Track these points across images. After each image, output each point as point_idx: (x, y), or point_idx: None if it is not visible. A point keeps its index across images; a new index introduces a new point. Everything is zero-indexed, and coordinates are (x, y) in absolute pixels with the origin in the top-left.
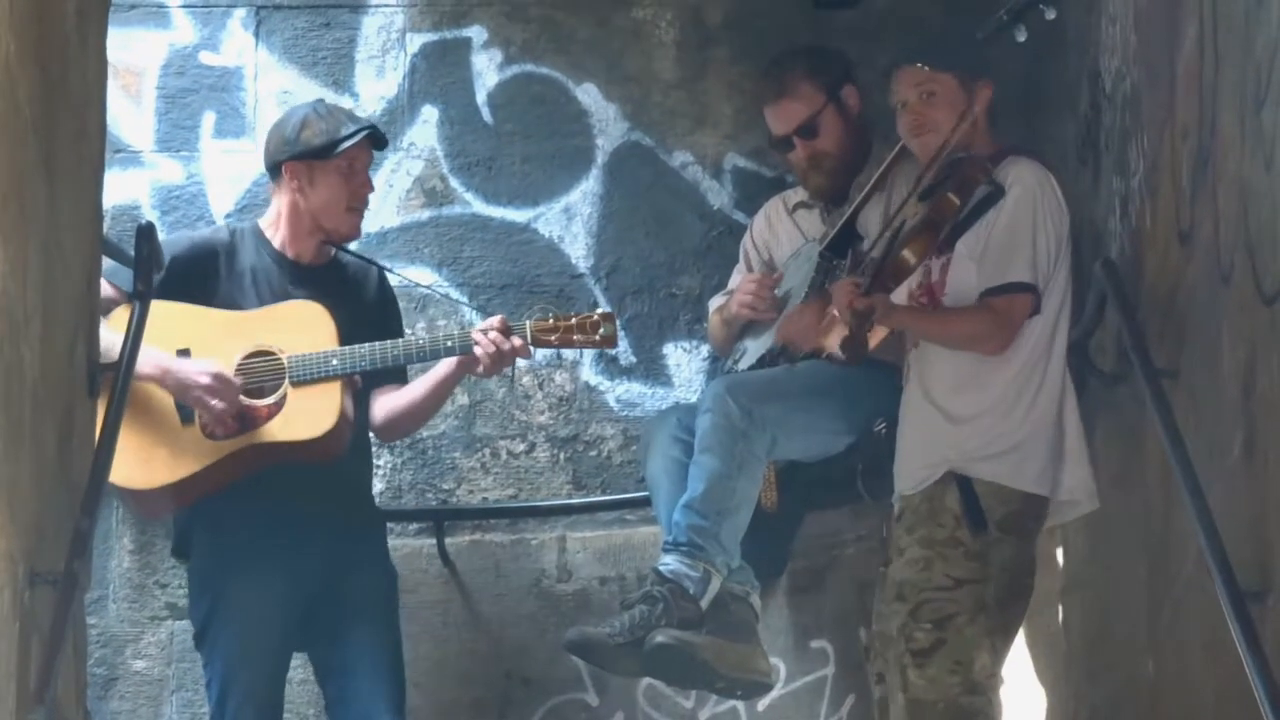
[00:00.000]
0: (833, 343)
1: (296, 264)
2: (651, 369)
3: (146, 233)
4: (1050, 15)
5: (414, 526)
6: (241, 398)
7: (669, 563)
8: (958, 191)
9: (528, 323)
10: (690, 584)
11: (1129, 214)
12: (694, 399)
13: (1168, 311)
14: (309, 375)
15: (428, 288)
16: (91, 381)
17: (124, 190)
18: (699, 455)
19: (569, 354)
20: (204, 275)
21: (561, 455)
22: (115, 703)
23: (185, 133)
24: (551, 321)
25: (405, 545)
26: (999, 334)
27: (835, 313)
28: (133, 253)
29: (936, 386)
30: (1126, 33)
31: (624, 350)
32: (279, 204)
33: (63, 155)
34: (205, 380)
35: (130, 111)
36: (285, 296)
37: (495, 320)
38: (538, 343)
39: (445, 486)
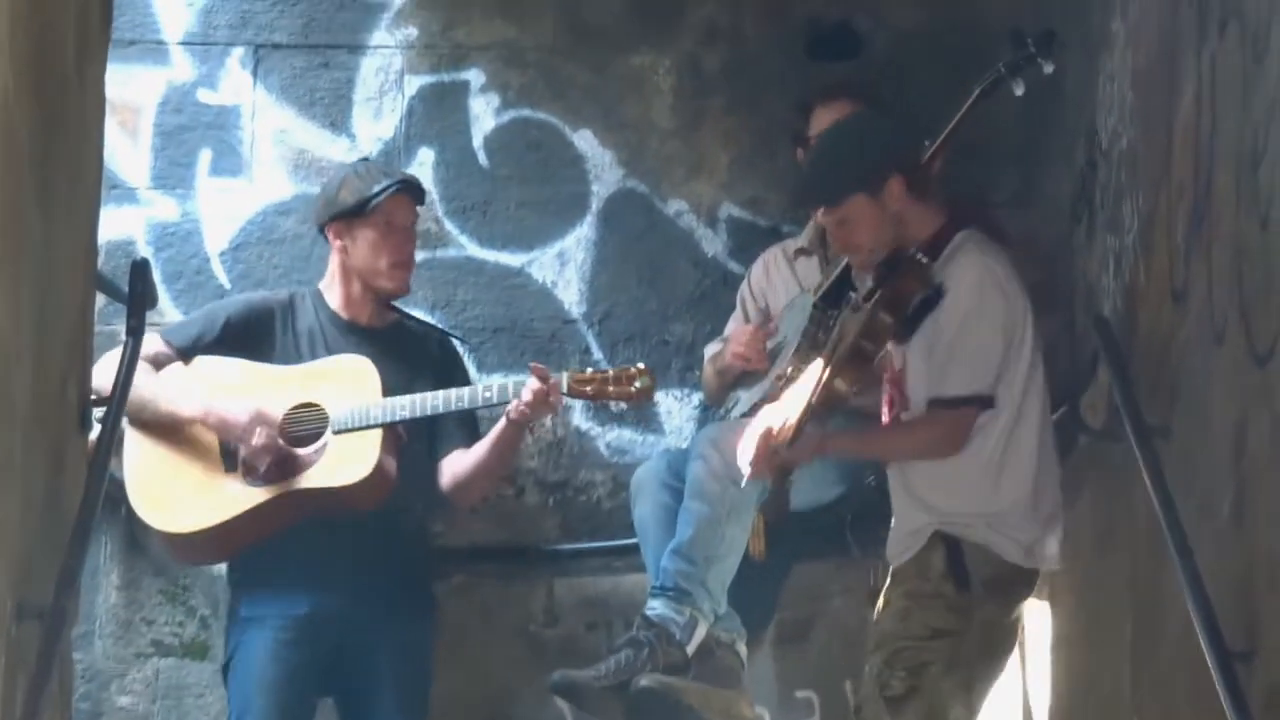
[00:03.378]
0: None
1: (353, 324)
2: (642, 416)
3: (141, 269)
4: (1048, 69)
5: None
6: (284, 444)
7: (656, 607)
8: (890, 309)
9: (565, 374)
10: (676, 629)
11: (1122, 271)
12: (685, 446)
13: (1160, 369)
14: (350, 424)
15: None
16: (83, 417)
17: (119, 226)
18: (688, 501)
19: None
20: (259, 336)
21: (551, 500)
22: None
23: (181, 170)
24: (589, 373)
25: None
26: (946, 443)
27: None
28: (126, 289)
29: (916, 481)
30: (1124, 90)
31: None
32: (332, 265)
33: (59, 190)
34: (245, 418)
35: (127, 148)
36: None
37: (535, 372)
38: (574, 394)
39: (435, 529)
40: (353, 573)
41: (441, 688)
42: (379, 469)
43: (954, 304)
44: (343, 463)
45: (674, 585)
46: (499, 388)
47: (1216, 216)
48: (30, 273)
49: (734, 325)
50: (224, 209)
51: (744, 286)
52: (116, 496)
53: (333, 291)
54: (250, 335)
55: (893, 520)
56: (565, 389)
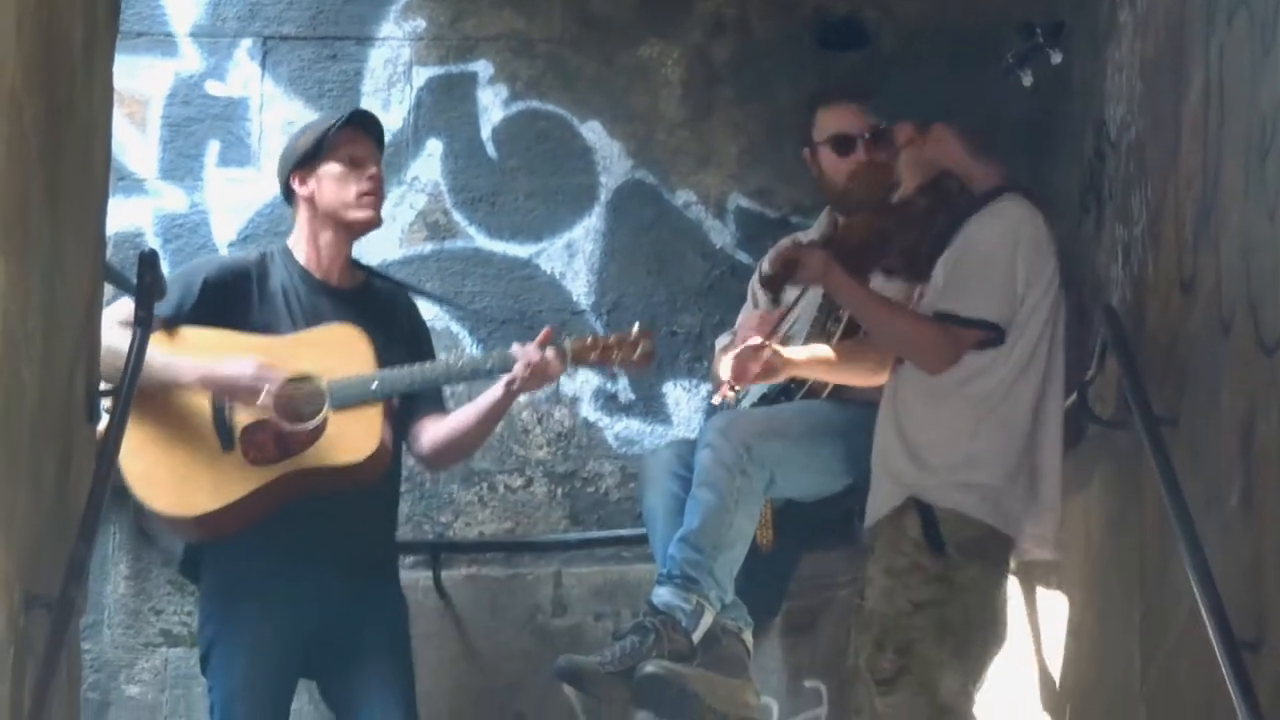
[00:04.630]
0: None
1: (325, 284)
2: (650, 407)
3: (149, 260)
4: (1056, 59)
5: (410, 558)
6: (283, 422)
7: (662, 594)
8: (929, 198)
9: (567, 341)
10: (683, 616)
11: (1131, 261)
12: (693, 437)
13: (1168, 359)
14: (349, 400)
15: (439, 300)
16: (91, 406)
17: (127, 217)
18: (696, 489)
19: (567, 390)
20: (236, 298)
21: (559, 491)
22: None
23: (189, 161)
24: (590, 340)
25: (401, 577)
26: (937, 352)
27: None
28: (134, 280)
29: (903, 403)
30: (1133, 81)
31: (623, 387)
32: (300, 220)
33: (67, 181)
34: (251, 370)
35: (135, 139)
36: (316, 316)
37: (540, 336)
38: (578, 360)
39: (442, 519)
40: (328, 552)
41: (449, 678)
42: (382, 446)
43: (988, 224)
44: (345, 441)
45: (681, 573)
46: (498, 356)
47: (1225, 207)
48: (38, 264)
49: (745, 317)
50: (232, 200)
51: (755, 279)
52: (124, 487)
53: (300, 248)
54: (227, 297)
55: (873, 476)
56: (569, 355)
